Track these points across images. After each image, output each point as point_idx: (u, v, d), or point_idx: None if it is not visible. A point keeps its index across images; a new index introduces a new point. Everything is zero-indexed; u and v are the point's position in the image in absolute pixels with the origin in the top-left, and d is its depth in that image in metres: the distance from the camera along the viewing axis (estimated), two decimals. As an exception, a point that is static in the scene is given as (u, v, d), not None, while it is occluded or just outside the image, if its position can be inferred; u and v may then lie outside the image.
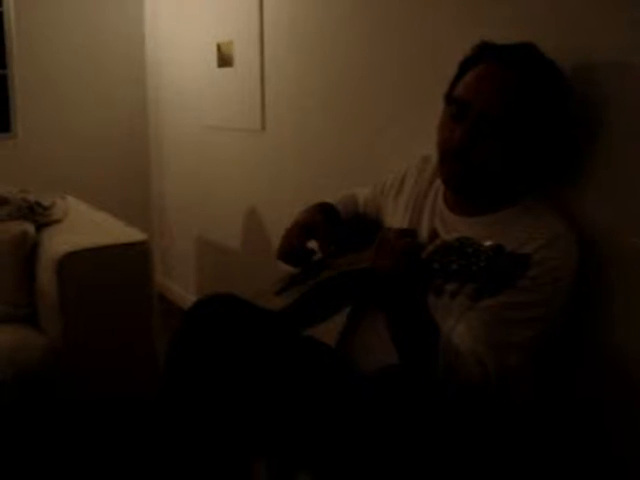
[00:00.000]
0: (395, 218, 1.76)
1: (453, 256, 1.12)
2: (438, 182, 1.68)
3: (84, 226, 2.67)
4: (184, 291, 4.07)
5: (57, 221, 2.65)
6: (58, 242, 2.43)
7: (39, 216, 2.60)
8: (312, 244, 1.72)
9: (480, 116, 1.44)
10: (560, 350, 1.59)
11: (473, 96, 1.47)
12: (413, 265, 1.22)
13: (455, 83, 1.55)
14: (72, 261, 2.30)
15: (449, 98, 1.54)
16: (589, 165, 1.56)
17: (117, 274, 2.40)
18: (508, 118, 1.43)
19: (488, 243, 1.11)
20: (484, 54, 1.52)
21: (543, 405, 1.64)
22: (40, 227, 2.58)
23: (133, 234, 2.52)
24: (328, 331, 1.83)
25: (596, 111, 1.53)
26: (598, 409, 1.60)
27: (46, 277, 2.37)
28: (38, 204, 2.62)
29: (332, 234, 1.72)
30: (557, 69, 1.48)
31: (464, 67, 1.54)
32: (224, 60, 3.36)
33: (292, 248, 1.71)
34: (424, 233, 1.53)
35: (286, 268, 1.78)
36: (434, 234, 1.24)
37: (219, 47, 3.39)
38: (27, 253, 2.50)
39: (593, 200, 1.55)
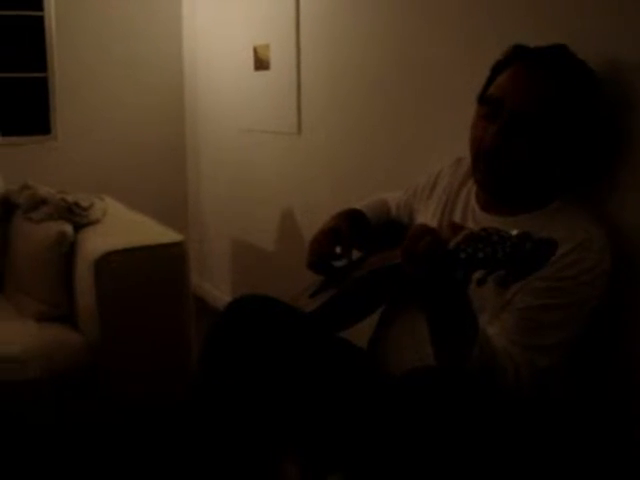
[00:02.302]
0: (426, 218, 1.76)
1: (479, 245, 1.12)
2: (471, 182, 1.68)
3: (122, 227, 2.70)
4: (219, 292, 4.09)
5: (95, 222, 2.67)
6: (96, 242, 2.46)
7: (77, 217, 2.63)
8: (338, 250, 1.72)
9: (513, 115, 1.45)
10: (593, 352, 1.58)
11: (507, 95, 1.47)
12: (438, 262, 1.22)
13: (488, 85, 1.56)
14: (109, 261, 2.33)
15: (482, 98, 1.55)
16: (623, 166, 1.55)
17: (154, 274, 2.42)
18: (541, 117, 1.43)
19: (514, 231, 1.11)
20: (517, 56, 1.53)
21: (576, 406, 1.64)
22: (78, 227, 2.61)
23: (170, 235, 2.54)
24: (362, 332, 1.84)
25: (631, 112, 1.52)
26: (631, 410, 1.59)
27: (84, 277, 2.40)
28: (77, 205, 2.65)
29: (356, 241, 1.73)
30: (589, 70, 1.48)
31: (497, 69, 1.56)
32: (260, 63, 3.37)
33: (319, 256, 1.71)
34: None
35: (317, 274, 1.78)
36: (455, 227, 1.24)
37: (255, 50, 3.40)
38: (65, 253, 2.53)
39: (627, 202, 1.54)
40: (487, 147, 1.48)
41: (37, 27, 3.83)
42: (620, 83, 1.53)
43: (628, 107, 1.52)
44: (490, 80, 1.56)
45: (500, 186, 1.53)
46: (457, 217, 1.67)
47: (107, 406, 2.35)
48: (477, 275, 1.17)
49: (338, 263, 1.71)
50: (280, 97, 3.20)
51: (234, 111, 3.73)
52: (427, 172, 1.88)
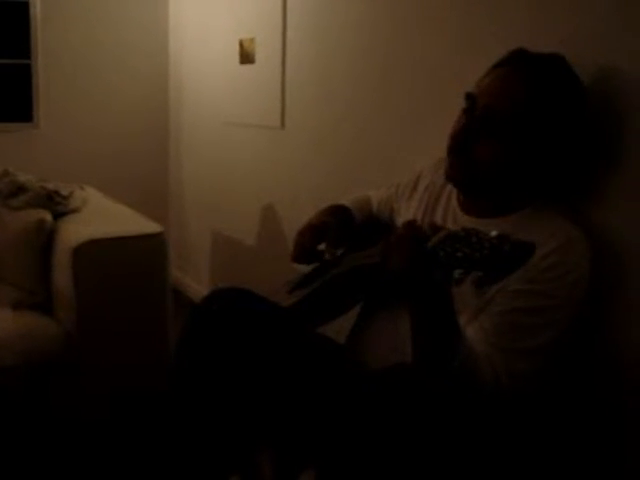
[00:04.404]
0: (407, 218, 1.75)
1: (458, 245, 1.13)
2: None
3: (101, 216, 2.69)
4: (198, 285, 4.08)
5: (75, 211, 2.67)
6: (75, 231, 2.45)
7: (57, 205, 2.62)
8: (323, 246, 1.73)
9: (485, 109, 1.46)
10: (574, 353, 1.59)
11: (482, 91, 1.49)
12: (419, 261, 1.23)
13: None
14: (88, 250, 2.32)
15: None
16: (606, 172, 1.56)
17: (132, 265, 2.41)
18: (513, 117, 1.43)
19: (494, 233, 1.11)
20: (510, 59, 1.53)
21: (557, 407, 1.64)
22: (58, 216, 2.60)
23: (150, 226, 2.54)
24: (341, 328, 1.84)
25: (616, 119, 1.52)
26: (613, 410, 1.59)
27: (62, 266, 2.38)
28: (57, 193, 2.64)
29: (341, 236, 1.73)
30: (578, 82, 1.48)
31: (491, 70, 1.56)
32: (246, 57, 3.37)
33: (304, 251, 1.71)
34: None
35: (301, 268, 1.78)
36: (434, 227, 1.25)
37: (241, 43, 3.40)
38: (44, 241, 2.51)
39: (608, 206, 1.55)
40: (457, 138, 1.50)
41: (21, 13, 3.80)
42: (611, 91, 1.53)
43: (616, 115, 1.52)
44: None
45: (469, 183, 1.54)
46: (438, 218, 1.67)
47: (83, 395, 2.34)
48: (455, 275, 1.17)
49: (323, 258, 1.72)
50: (265, 91, 3.20)
51: (218, 104, 3.72)
52: (411, 170, 1.88)
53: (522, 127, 1.44)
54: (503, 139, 1.45)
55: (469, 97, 1.51)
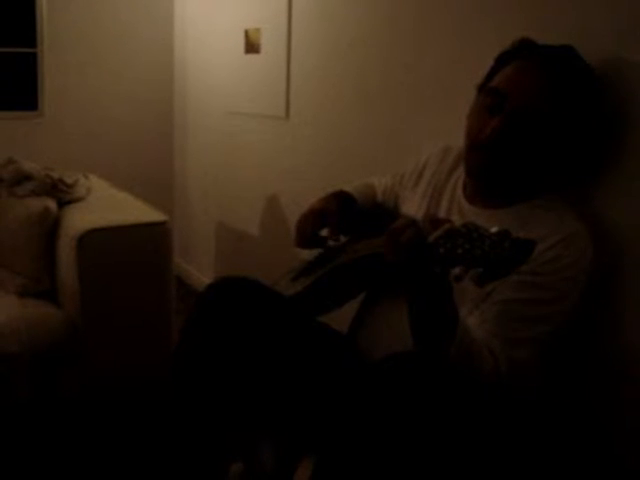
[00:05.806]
0: (412, 207, 1.76)
1: (459, 241, 1.13)
2: (458, 172, 1.69)
3: (106, 205, 2.70)
4: (202, 274, 4.09)
5: (79, 199, 2.68)
6: (79, 219, 2.45)
7: (62, 193, 2.63)
8: (325, 231, 1.73)
9: (516, 111, 1.45)
10: (573, 346, 1.59)
11: (512, 89, 1.47)
12: (418, 254, 1.23)
13: (491, 75, 1.55)
14: (92, 239, 2.32)
15: (485, 88, 1.55)
16: (610, 167, 1.56)
17: (136, 253, 2.42)
18: (543, 116, 1.44)
19: (494, 229, 1.12)
20: (524, 50, 1.52)
21: (552, 400, 1.65)
22: (62, 204, 2.61)
23: (153, 214, 2.54)
24: (343, 317, 1.84)
25: (625, 112, 1.53)
26: (608, 406, 1.60)
27: (66, 254, 2.39)
28: (61, 181, 2.65)
29: (343, 222, 1.73)
30: (594, 74, 1.49)
31: (502, 60, 1.55)
32: (251, 46, 3.36)
33: (306, 235, 1.72)
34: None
35: (304, 255, 1.79)
36: (435, 222, 1.25)
37: (247, 33, 3.40)
38: (49, 229, 2.52)
39: (611, 201, 1.55)
40: (486, 139, 1.48)
41: (28, 2, 3.80)
42: (617, 83, 1.53)
43: (625, 106, 1.53)
44: (493, 71, 1.56)
45: (491, 177, 1.54)
46: (443, 208, 1.68)
47: (86, 383, 2.35)
48: (455, 271, 1.18)
49: (325, 244, 1.72)
50: (269, 81, 3.20)
51: (223, 93, 3.72)
52: (415, 159, 1.88)
53: (548, 124, 1.44)
54: (532, 135, 1.45)
55: (496, 93, 1.50)
